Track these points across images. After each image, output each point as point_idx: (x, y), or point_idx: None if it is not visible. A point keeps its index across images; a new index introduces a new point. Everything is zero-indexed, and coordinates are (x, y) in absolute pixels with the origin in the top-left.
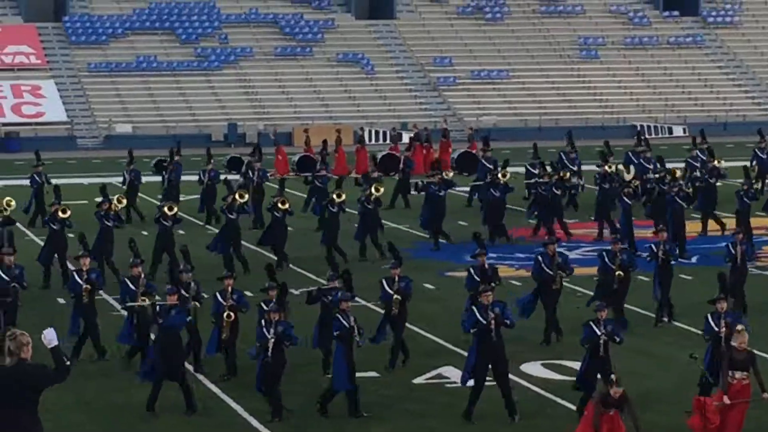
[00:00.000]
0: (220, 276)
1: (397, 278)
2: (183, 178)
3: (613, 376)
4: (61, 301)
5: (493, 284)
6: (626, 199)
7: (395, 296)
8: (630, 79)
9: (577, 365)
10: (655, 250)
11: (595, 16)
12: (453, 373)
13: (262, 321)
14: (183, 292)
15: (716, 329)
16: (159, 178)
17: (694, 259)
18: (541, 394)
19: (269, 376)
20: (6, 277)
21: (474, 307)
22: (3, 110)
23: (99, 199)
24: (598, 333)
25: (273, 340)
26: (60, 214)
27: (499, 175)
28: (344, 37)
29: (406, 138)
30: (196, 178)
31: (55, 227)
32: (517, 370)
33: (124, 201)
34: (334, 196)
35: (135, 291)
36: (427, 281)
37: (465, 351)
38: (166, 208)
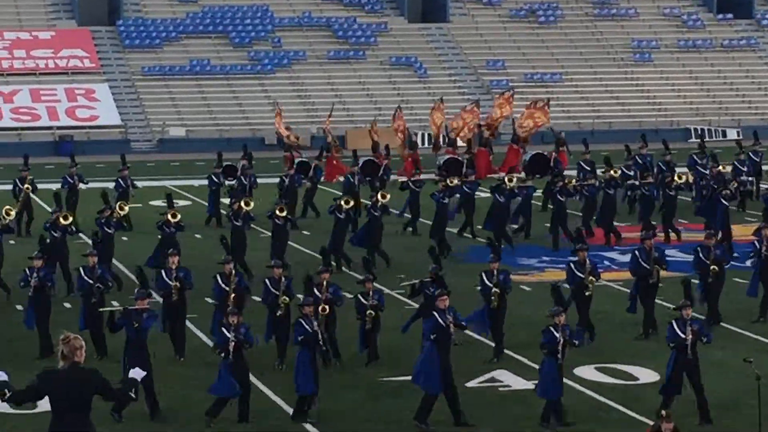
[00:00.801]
0: (317, 270)
1: (495, 272)
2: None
3: (663, 412)
4: (115, 303)
5: (594, 277)
6: (723, 201)
7: (494, 289)
8: (683, 82)
9: (631, 369)
10: (759, 246)
11: (648, 19)
12: (506, 377)
13: (222, 326)
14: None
15: (682, 336)
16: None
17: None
18: (594, 397)
19: (236, 378)
20: (89, 279)
21: (435, 313)
22: (57, 114)
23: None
24: (557, 337)
25: (234, 342)
26: (61, 221)
27: (506, 180)
28: (397, 40)
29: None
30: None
31: (56, 235)
32: (570, 373)
33: (126, 208)
34: (342, 203)
35: (276, 293)
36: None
37: (518, 354)
38: (169, 215)
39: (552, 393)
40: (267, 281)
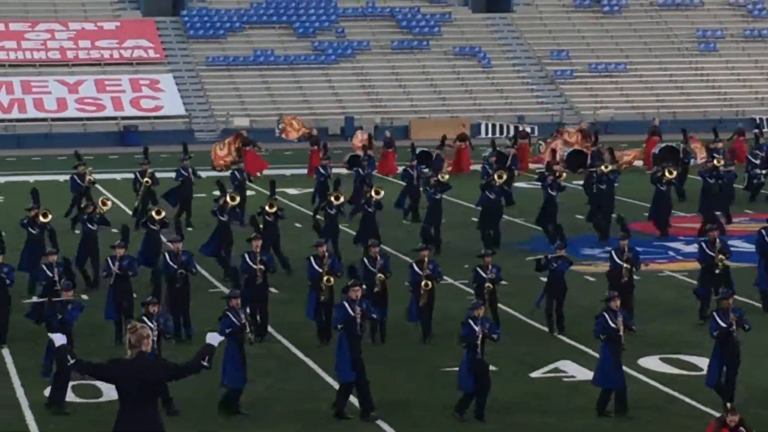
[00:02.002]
0: (417, 248)
1: (626, 248)
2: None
3: (728, 404)
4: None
5: (724, 255)
6: None
7: (625, 266)
8: (748, 71)
9: (695, 359)
10: None
11: (713, 8)
12: (570, 368)
13: (142, 315)
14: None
15: (614, 326)
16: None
17: None
18: (658, 388)
19: None
20: (174, 264)
21: (345, 303)
22: (122, 104)
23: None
24: (476, 331)
25: (156, 331)
26: (40, 218)
27: (495, 177)
28: (461, 30)
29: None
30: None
31: (33, 231)
32: (635, 364)
33: (109, 203)
34: (332, 198)
35: (374, 271)
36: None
37: (582, 345)
38: (153, 212)
39: (464, 386)
40: (365, 260)
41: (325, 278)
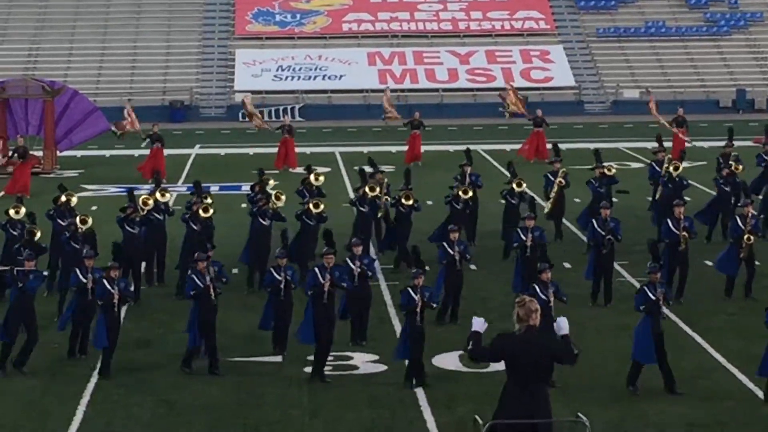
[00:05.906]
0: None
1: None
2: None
3: None
4: None
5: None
6: None
7: (746, 235)
8: None
9: None
10: None
11: None
12: None
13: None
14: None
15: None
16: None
17: None
18: None
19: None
20: (601, 230)
21: (316, 269)
22: (512, 75)
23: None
24: (416, 300)
25: (117, 296)
26: (201, 213)
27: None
28: None
29: None
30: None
31: (195, 227)
32: None
33: (283, 198)
34: (461, 192)
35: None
36: None
37: None
38: (311, 206)
39: (401, 354)
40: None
41: (745, 236)
